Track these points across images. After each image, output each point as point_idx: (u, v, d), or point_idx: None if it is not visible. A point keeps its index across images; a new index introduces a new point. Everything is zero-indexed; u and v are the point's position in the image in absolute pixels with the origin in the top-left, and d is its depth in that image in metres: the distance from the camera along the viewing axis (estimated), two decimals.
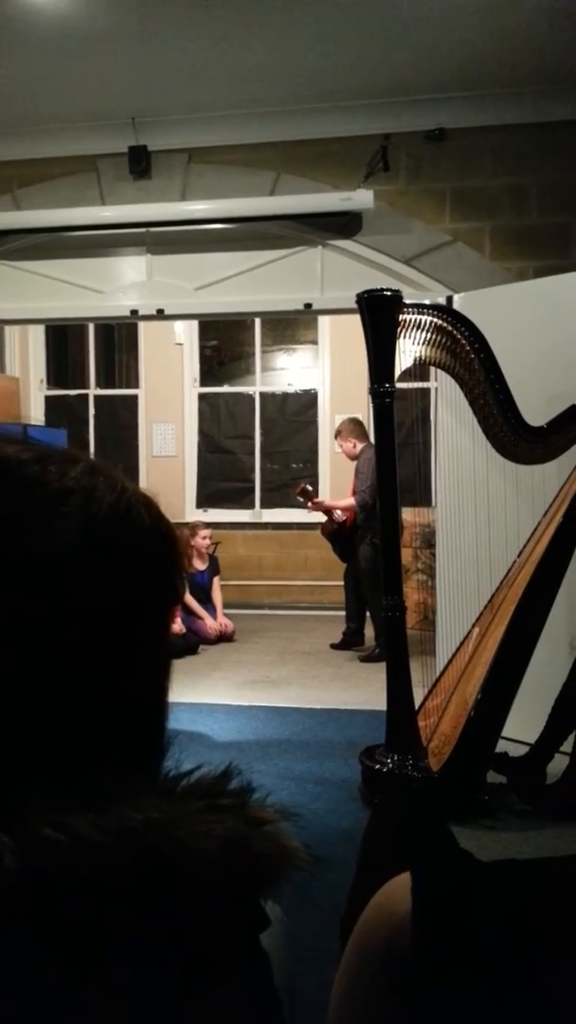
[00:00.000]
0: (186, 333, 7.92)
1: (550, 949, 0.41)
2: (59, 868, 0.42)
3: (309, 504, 5.61)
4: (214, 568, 6.22)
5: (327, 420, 7.62)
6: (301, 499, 5.63)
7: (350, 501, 5.42)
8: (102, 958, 0.44)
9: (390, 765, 2.81)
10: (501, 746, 2.87)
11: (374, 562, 4.90)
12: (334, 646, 5.65)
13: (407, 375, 2.90)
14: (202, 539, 6.09)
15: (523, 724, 2.88)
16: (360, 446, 5.40)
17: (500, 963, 0.42)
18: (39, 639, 0.48)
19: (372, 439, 4.99)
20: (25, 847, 0.43)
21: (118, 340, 8.45)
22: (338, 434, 5.61)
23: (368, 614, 5.50)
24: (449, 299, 3.79)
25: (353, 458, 5.47)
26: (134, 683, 0.53)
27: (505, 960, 0.42)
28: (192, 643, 5.65)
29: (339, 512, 5.52)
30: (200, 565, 6.11)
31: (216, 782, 0.51)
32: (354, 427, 5.50)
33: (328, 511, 5.59)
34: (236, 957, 0.48)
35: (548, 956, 0.41)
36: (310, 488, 5.66)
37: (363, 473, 5.27)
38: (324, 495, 7.68)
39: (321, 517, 5.72)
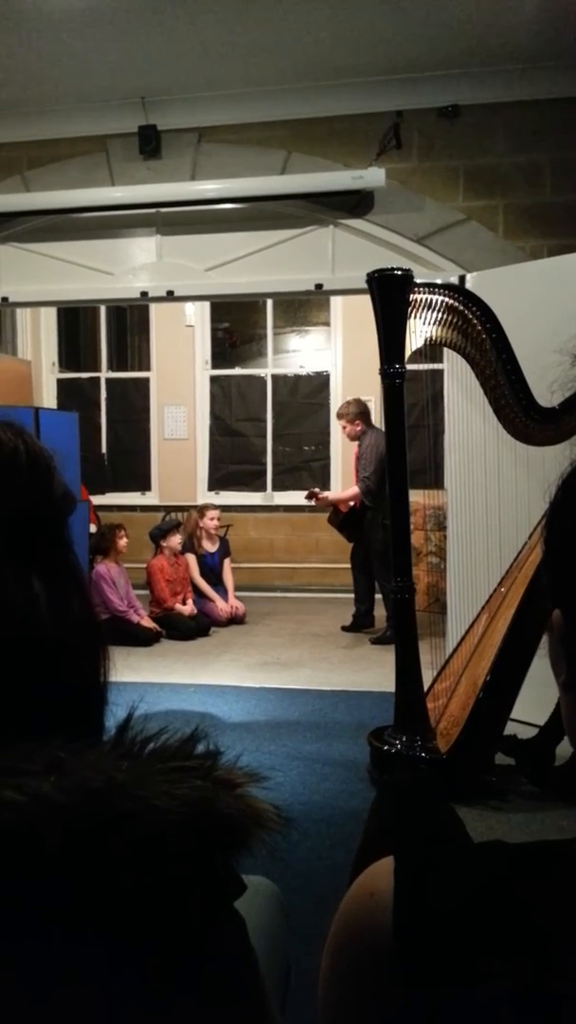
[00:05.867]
0: (197, 315, 7.88)
1: (532, 933, 0.41)
2: (20, 828, 0.43)
3: (315, 501, 5.70)
4: (225, 550, 6.23)
5: (339, 402, 7.54)
6: (309, 500, 5.87)
7: (355, 490, 5.41)
8: (65, 917, 0.44)
9: (399, 746, 2.81)
10: (510, 728, 2.88)
11: (386, 544, 4.88)
12: (345, 628, 5.66)
13: (419, 356, 2.87)
14: (211, 520, 6.09)
15: (532, 706, 2.87)
16: (363, 428, 5.38)
17: (478, 947, 0.41)
18: None
19: (380, 421, 4.97)
20: None
21: (130, 323, 8.43)
22: (341, 416, 5.56)
23: (379, 596, 5.51)
24: (462, 279, 3.75)
25: (355, 438, 5.45)
26: (40, 615, 0.54)
27: (482, 944, 0.41)
28: (203, 625, 5.68)
29: (350, 503, 5.54)
30: (210, 547, 6.12)
31: (183, 745, 0.51)
32: (358, 409, 5.45)
33: (335, 504, 5.60)
34: (206, 915, 0.48)
35: (530, 939, 0.41)
36: (316, 489, 6.04)
37: (366, 458, 5.26)
38: (337, 477, 7.70)
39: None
